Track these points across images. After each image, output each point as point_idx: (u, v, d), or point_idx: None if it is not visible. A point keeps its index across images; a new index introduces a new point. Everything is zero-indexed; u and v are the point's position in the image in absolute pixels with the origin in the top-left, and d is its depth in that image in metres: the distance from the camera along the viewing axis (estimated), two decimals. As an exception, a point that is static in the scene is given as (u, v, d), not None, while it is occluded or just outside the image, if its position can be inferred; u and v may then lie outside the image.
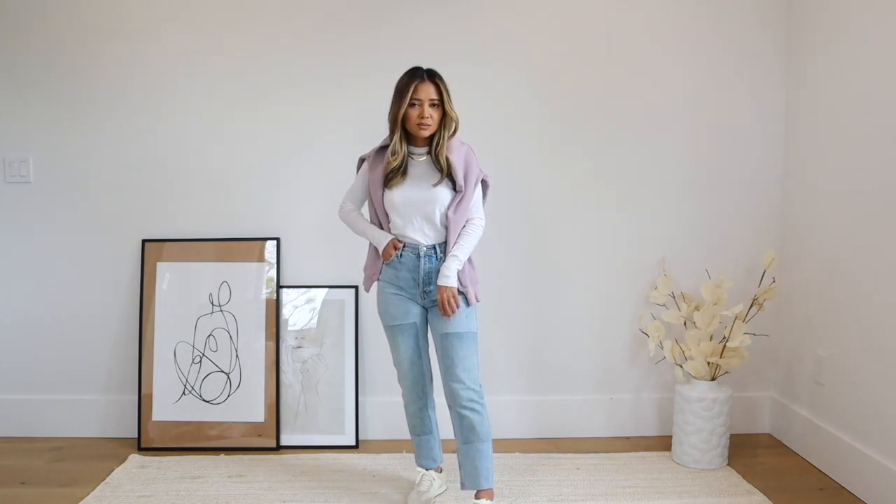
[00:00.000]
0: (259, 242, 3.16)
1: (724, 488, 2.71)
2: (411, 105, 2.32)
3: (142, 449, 3.07)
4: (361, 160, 2.52)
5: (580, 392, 3.25)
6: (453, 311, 2.35)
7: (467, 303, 2.40)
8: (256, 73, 3.12)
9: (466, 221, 2.40)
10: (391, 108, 2.36)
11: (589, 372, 3.25)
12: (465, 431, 2.40)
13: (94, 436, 3.20)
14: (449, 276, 2.35)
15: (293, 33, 3.11)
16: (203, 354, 3.13)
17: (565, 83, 3.14)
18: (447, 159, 2.34)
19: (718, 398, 2.85)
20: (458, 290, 2.37)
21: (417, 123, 2.32)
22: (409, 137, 2.39)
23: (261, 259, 3.15)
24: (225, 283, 3.15)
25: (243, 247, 3.16)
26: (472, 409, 2.38)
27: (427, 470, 2.65)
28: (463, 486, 2.46)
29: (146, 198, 3.16)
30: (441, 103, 2.34)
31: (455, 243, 2.38)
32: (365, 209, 2.57)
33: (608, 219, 3.20)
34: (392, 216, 2.42)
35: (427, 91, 2.32)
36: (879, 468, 2.54)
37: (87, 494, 2.65)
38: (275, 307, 3.13)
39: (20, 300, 3.19)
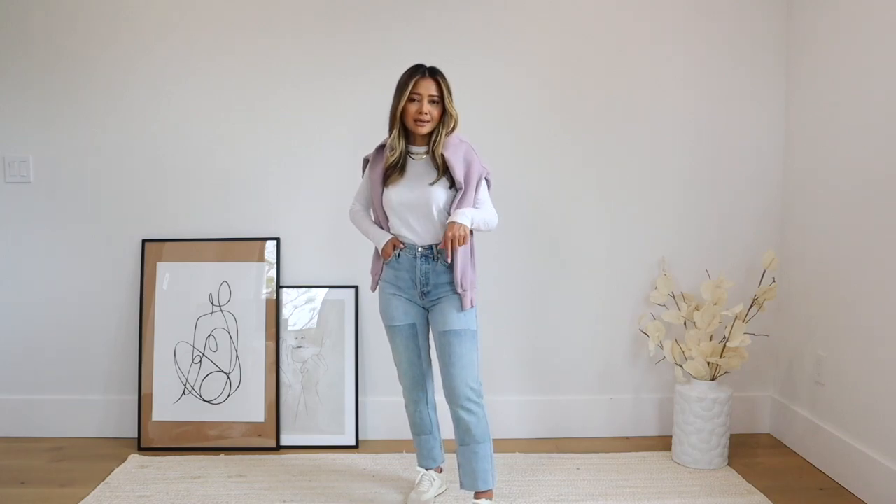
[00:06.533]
0: (259, 242, 3.16)
1: (724, 488, 2.71)
2: (410, 100, 2.31)
3: (142, 449, 3.07)
4: (366, 160, 2.51)
5: (580, 392, 3.25)
6: (455, 250, 2.27)
7: (462, 306, 2.36)
8: (256, 74, 3.12)
9: None
10: (392, 104, 2.35)
11: (589, 372, 3.25)
12: (461, 433, 2.39)
13: (94, 436, 3.20)
14: (463, 215, 2.28)
15: (293, 34, 3.11)
16: (203, 354, 3.12)
17: (567, 84, 3.14)
18: (443, 157, 2.32)
19: (718, 398, 2.85)
20: (455, 292, 2.36)
21: (415, 119, 2.31)
22: (408, 136, 2.39)
23: (261, 259, 3.15)
24: (225, 283, 3.14)
25: (243, 247, 3.16)
26: (468, 410, 2.36)
27: (427, 470, 2.65)
28: (462, 486, 2.45)
29: (146, 198, 3.16)
30: (441, 100, 2.33)
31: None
32: None
33: (608, 219, 3.20)
34: (390, 216, 2.41)
35: (427, 87, 2.31)
36: (879, 468, 2.54)
37: (87, 494, 2.65)
38: (275, 307, 3.13)
39: (20, 300, 3.19)
